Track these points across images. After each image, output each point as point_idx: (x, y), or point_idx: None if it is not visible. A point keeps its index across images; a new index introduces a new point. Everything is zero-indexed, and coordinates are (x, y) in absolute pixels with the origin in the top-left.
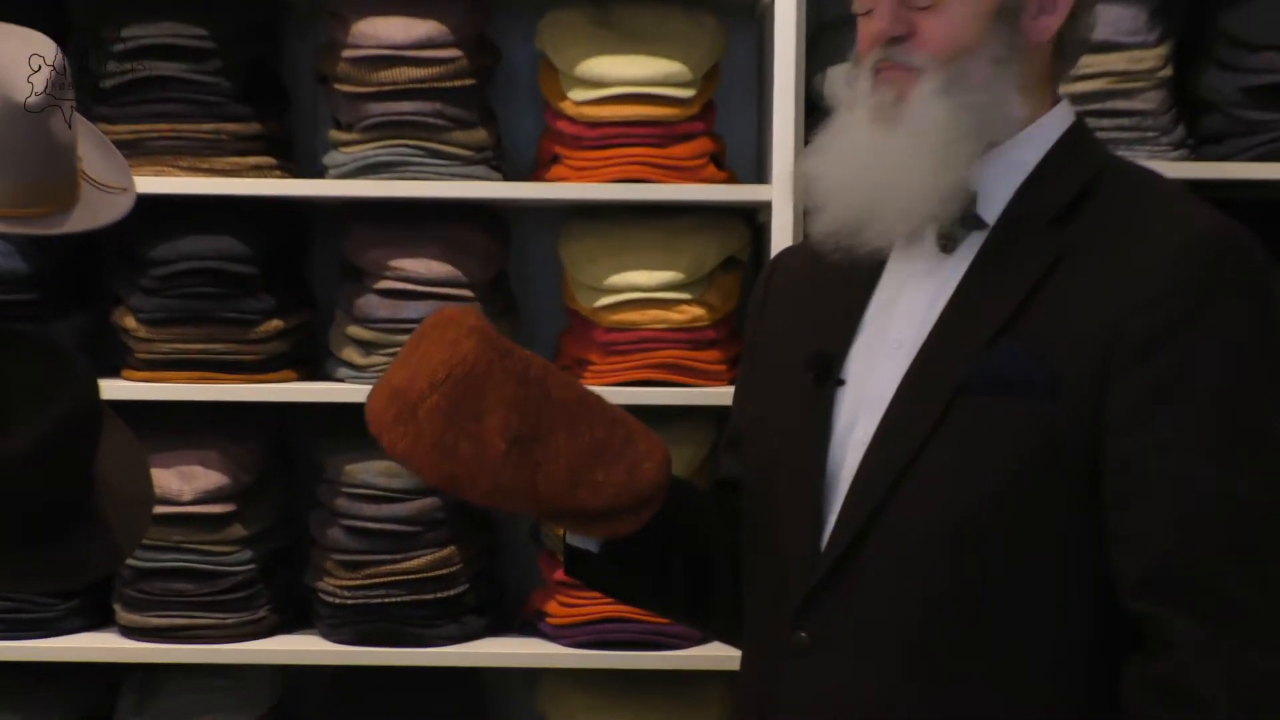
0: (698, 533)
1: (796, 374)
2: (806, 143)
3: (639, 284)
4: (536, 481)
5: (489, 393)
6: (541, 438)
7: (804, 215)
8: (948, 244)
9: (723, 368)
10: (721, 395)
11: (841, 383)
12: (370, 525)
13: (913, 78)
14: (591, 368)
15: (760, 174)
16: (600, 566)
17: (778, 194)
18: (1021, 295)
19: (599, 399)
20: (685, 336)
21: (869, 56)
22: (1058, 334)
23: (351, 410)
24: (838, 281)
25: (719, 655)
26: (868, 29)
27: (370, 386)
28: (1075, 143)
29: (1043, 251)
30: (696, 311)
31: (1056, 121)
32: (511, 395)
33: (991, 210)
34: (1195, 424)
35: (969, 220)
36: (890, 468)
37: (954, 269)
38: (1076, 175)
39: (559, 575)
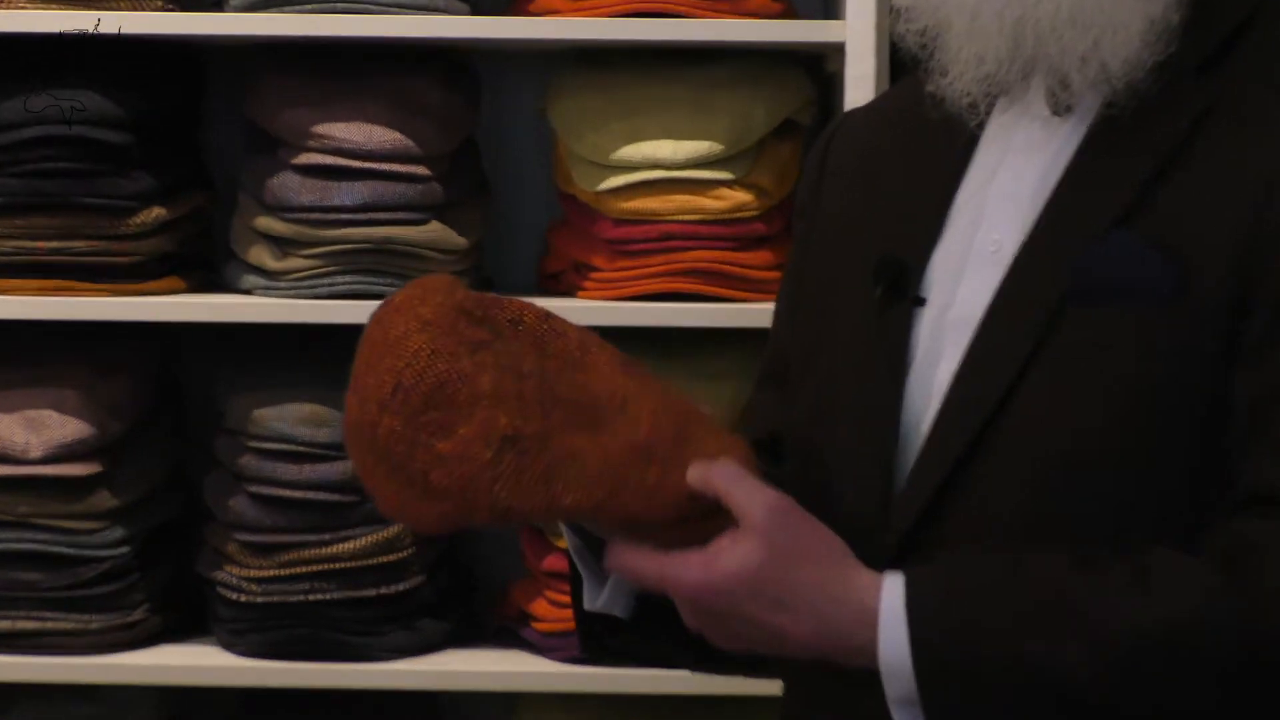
0: None
1: (860, 287)
2: None
3: (660, 158)
4: (554, 491)
5: (458, 393)
6: (551, 437)
7: (888, 64)
8: (1060, 101)
9: (777, 275)
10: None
11: (921, 301)
12: (288, 493)
13: None
14: (594, 276)
15: (829, 4)
16: (633, 634)
17: (854, 31)
18: (1151, 168)
19: (646, 375)
20: (725, 231)
21: None
22: (1192, 219)
23: (261, 333)
24: (917, 157)
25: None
26: None
27: (284, 300)
28: None
29: (1184, 107)
30: (740, 196)
31: None
32: (491, 388)
33: (1119, 52)
34: None
35: (1089, 67)
36: (975, 413)
37: (1069, 137)
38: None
39: (549, 563)
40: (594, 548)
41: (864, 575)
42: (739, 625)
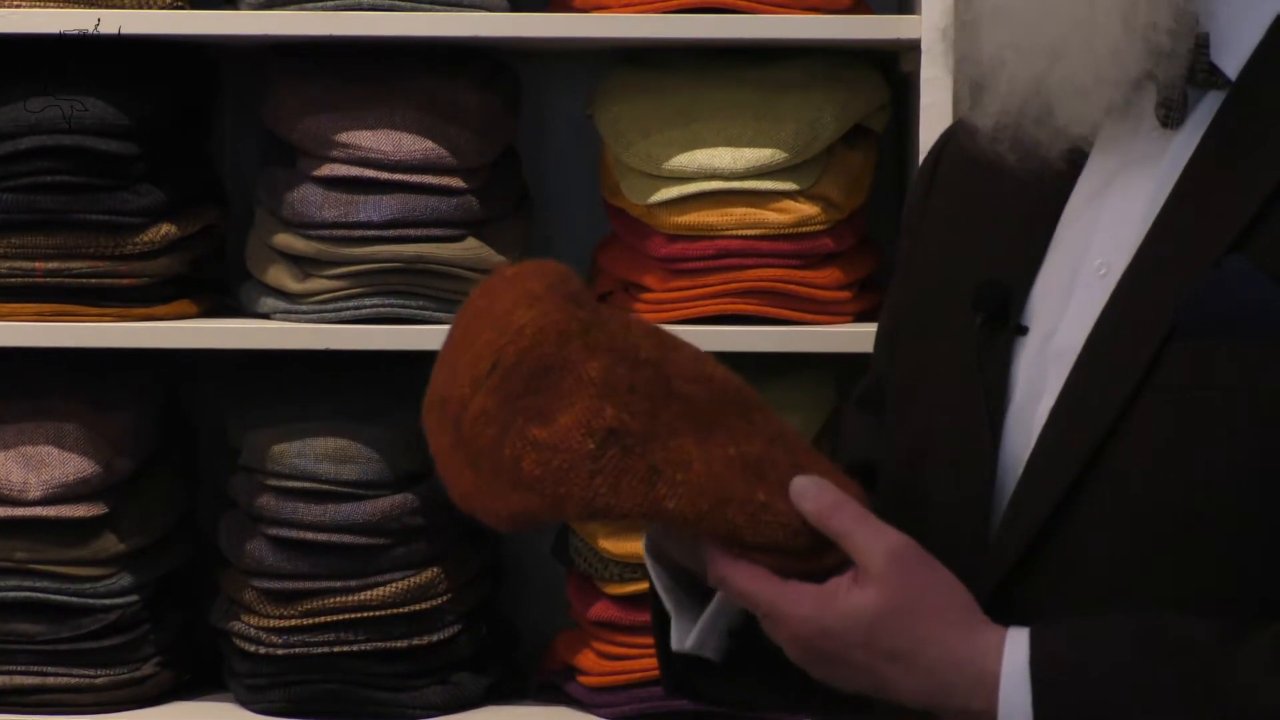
0: None
1: (962, 315)
2: None
3: (718, 167)
4: (656, 493)
5: (563, 378)
6: (658, 436)
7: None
8: (1171, 113)
9: (846, 295)
10: (845, 336)
11: (1023, 330)
12: (311, 536)
13: None
14: (645, 297)
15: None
16: (724, 677)
17: (930, 27)
18: (1270, 185)
19: (762, 405)
20: (789, 248)
21: None
22: None
23: (280, 361)
24: (1024, 175)
25: None
26: None
27: (305, 325)
28: None
29: None
30: (806, 209)
31: None
32: (600, 376)
33: (1233, 58)
34: None
35: (1201, 74)
36: (1074, 452)
37: (1180, 150)
38: None
39: (596, 612)
40: (683, 585)
41: (987, 635)
42: (846, 669)
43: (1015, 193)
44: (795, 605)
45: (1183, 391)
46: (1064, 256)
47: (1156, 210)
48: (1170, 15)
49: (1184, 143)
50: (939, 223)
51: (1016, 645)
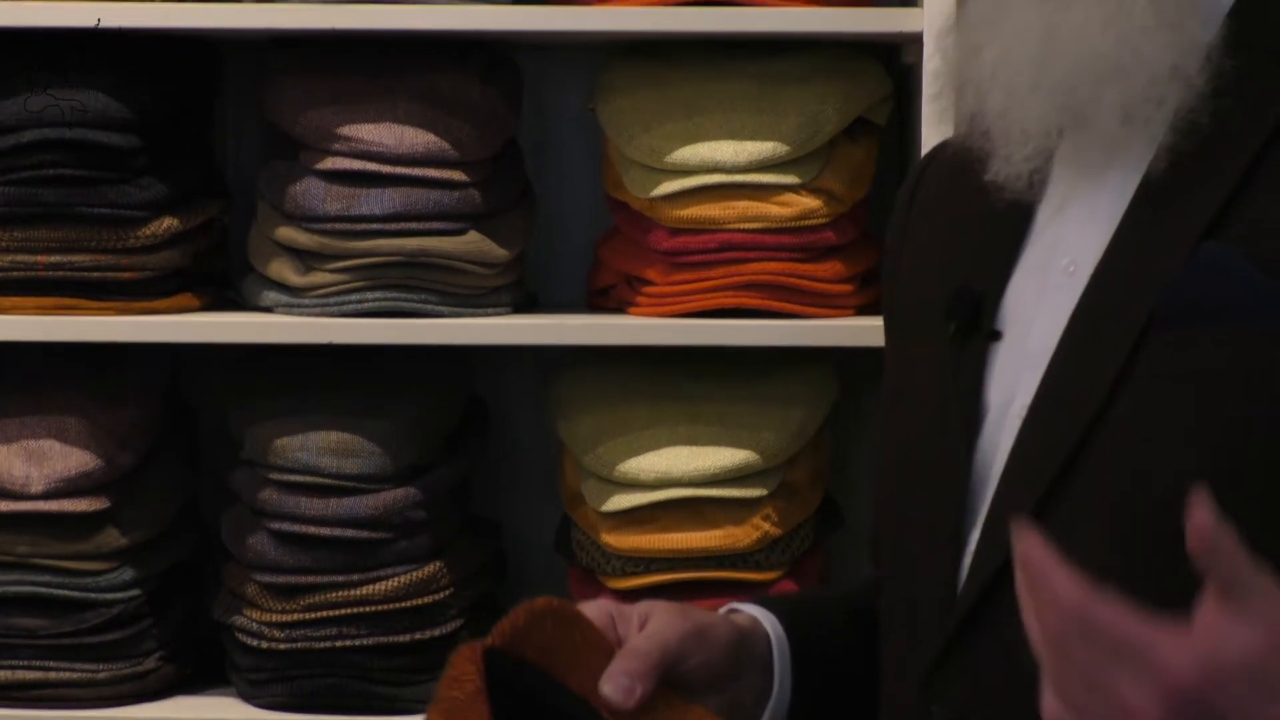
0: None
1: (936, 323)
2: None
3: (720, 160)
4: None
5: None
6: None
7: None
8: (1130, 112)
9: (848, 288)
10: (847, 329)
11: (997, 335)
12: (313, 530)
13: None
14: (647, 290)
15: None
16: None
17: (932, 20)
18: (1240, 170)
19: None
20: (791, 241)
21: None
22: None
23: (282, 355)
24: (998, 184)
25: None
26: None
27: (307, 319)
28: None
29: (1272, 97)
30: (808, 202)
31: None
32: None
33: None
34: None
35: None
36: (1047, 461)
37: (1143, 147)
38: None
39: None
40: None
41: None
42: None
43: (989, 203)
44: None
45: (1163, 381)
46: (1036, 259)
47: (1124, 205)
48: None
49: (1150, 135)
50: (919, 242)
51: None
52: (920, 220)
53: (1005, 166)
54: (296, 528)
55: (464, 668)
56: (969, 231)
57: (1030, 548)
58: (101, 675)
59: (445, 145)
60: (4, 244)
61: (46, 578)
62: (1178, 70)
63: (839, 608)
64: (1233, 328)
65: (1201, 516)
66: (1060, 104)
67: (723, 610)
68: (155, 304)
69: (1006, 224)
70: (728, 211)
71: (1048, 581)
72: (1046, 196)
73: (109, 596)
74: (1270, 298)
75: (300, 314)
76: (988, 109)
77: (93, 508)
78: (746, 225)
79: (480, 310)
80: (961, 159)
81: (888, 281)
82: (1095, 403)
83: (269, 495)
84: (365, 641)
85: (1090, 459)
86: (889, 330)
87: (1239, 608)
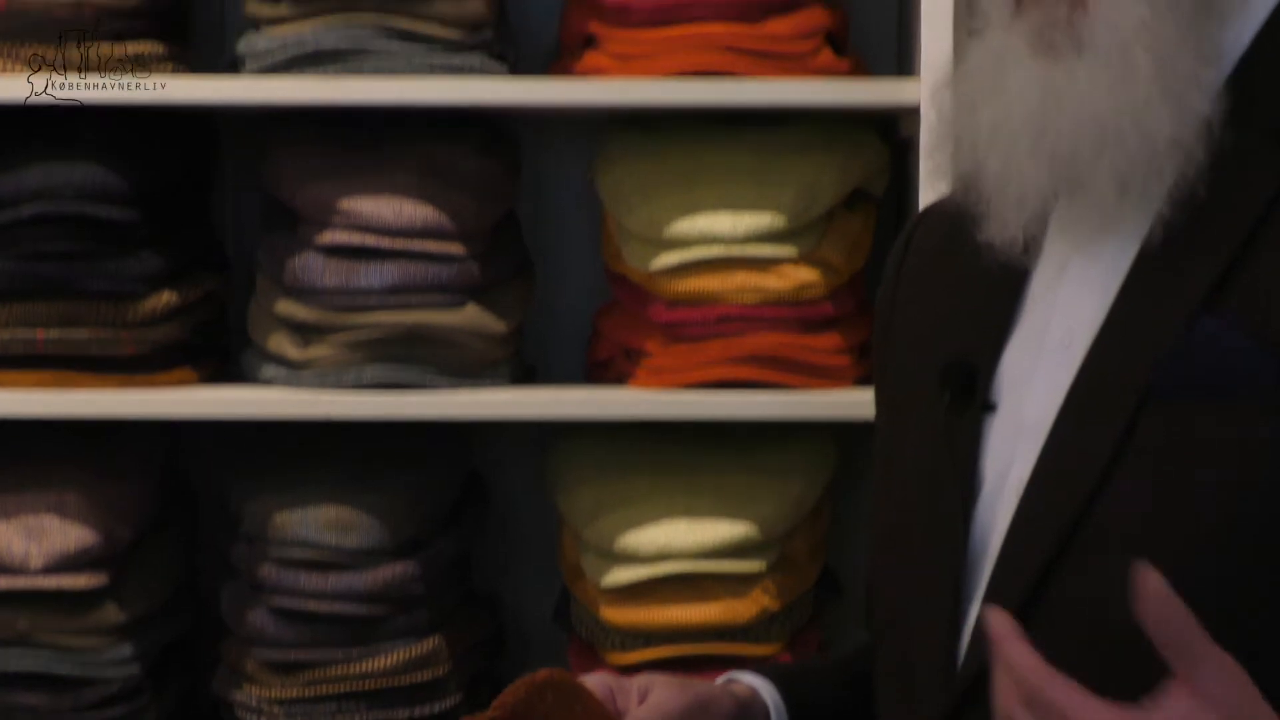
0: None
1: (929, 394)
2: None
3: (718, 232)
4: None
5: None
6: None
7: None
8: (1127, 182)
9: (846, 360)
10: (844, 402)
11: (992, 406)
12: (313, 606)
13: None
14: (646, 363)
15: (902, 63)
16: None
17: (929, 92)
18: (1236, 244)
19: None
20: (789, 313)
21: None
22: None
23: (282, 429)
24: (987, 255)
25: None
26: None
27: (305, 393)
28: None
29: (1267, 173)
30: (806, 275)
31: None
32: None
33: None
34: None
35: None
36: (1048, 531)
37: (1140, 218)
38: None
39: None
40: None
41: None
42: None
43: (981, 271)
44: None
45: (1162, 454)
46: (1030, 329)
47: (1119, 276)
48: (1197, 112)
49: (1142, 211)
50: (910, 309)
51: None
52: (910, 285)
53: (1000, 230)
54: (296, 603)
55: None
56: (962, 297)
57: (998, 624)
58: None
59: (443, 218)
60: (2, 319)
61: (46, 654)
62: (1177, 142)
63: (835, 675)
64: (1229, 401)
65: (1153, 584)
66: (1058, 170)
67: (721, 679)
68: (154, 378)
69: (1000, 290)
70: (726, 284)
71: (1004, 654)
72: (1041, 263)
73: (109, 673)
74: (1266, 371)
75: (299, 388)
76: (984, 170)
77: (92, 583)
78: (744, 298)
79: (479, 383)
80: (953, 219)
81: (878, 347)
82: (1093, 476)
83: (268, 570)
84: (365, 717)
85: (1090, 532)
86: (880, 395)
87: (1203, 692)
